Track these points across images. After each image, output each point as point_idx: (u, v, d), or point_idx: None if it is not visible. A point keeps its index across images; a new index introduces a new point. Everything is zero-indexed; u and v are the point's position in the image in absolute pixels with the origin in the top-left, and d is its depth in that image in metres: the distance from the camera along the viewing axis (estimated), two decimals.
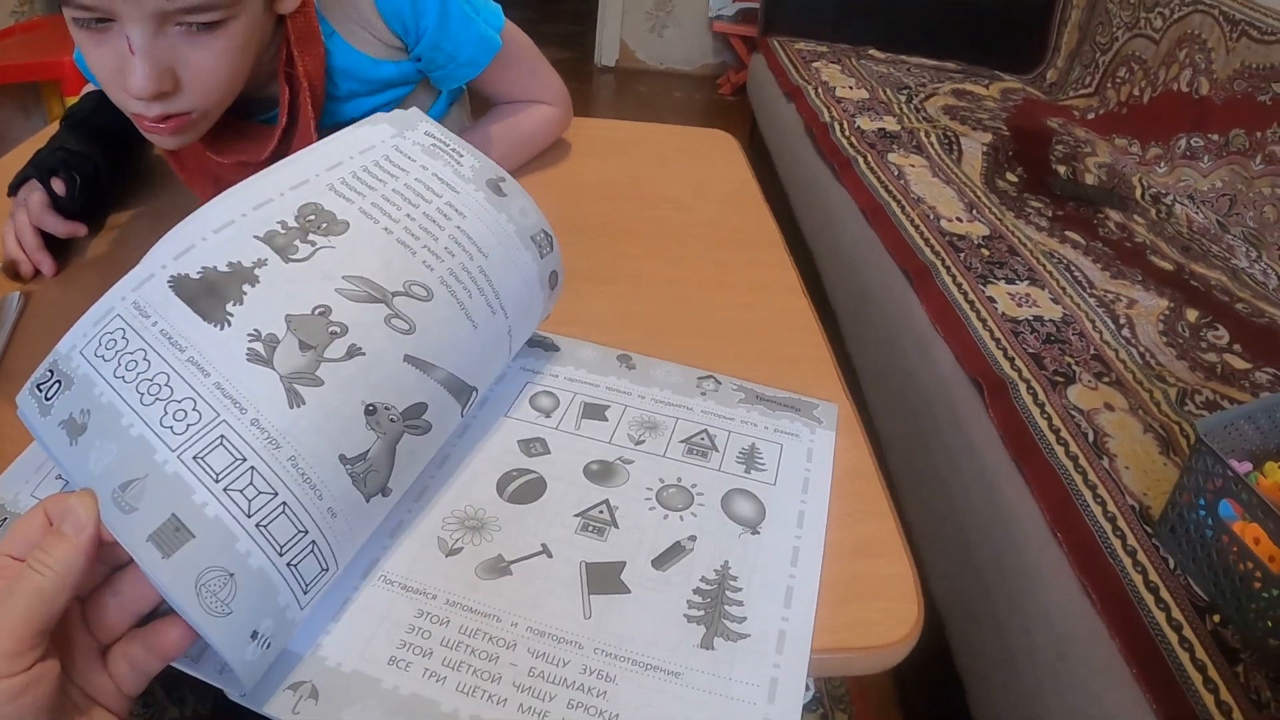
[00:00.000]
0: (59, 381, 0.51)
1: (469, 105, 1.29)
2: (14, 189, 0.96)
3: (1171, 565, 1.01)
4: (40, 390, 0.52)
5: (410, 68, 1.05)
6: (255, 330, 0.52)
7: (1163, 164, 2.15)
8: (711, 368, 0.77)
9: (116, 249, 0.99)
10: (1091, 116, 2.50)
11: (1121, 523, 1.07)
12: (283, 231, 0.57)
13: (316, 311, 0.54)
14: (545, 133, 1.19)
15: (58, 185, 0.94)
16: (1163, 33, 2.41)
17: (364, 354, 0.54)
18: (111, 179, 1.02)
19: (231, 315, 0.52)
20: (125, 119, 0.97)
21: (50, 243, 0.93)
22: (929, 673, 1.32)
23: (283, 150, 0.97)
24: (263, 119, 0.99)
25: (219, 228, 0.56)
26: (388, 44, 1.01)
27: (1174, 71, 2.31)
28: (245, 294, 0.53)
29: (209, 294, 0.53)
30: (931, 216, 1.77)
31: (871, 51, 2.97)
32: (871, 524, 0.64)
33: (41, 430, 0.51)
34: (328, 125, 1.06)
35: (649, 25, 4.86)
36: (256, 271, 0.54)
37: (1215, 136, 2.09)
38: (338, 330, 0.54)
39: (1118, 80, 2.54)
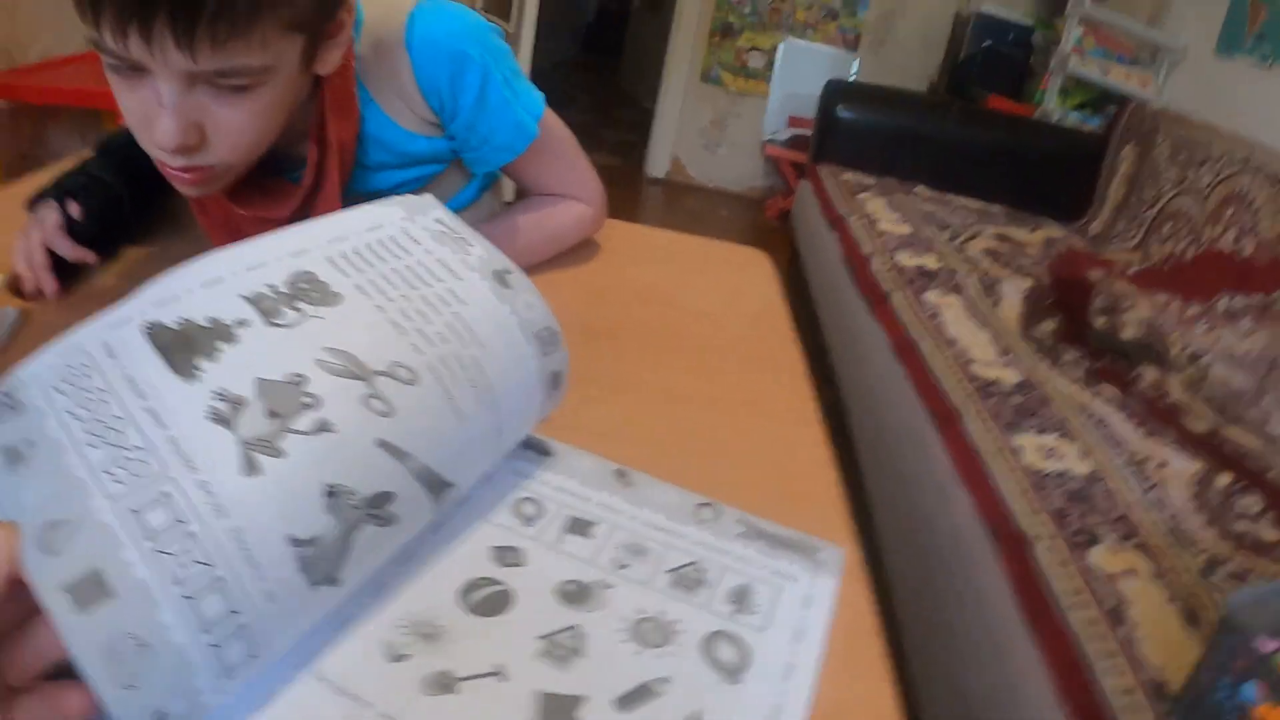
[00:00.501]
0: (10, 406, 0.48)
1: (503, 193, 1.26)
2: (32, 205, 0.96)
3: None
4: None
5: (444, 145, 1.04)
6: (222, 389, 0.49)
7: (1202, 323, 2.11)
8: (715, 494, 0.73)
9: (122, 282, 0.98)
10: (1133, 271, 2.48)
11: (1139, 696, 1.01)
12: (271, 295, 0.55)
13: (290, 379, 0.51)
14: (575, 230, 1.17)
15: (73, 209, 0.93)
16: (1210, 190, 2.40)
17: (334, 431, 0.50)
18: (133, 212, 1.01)
19: (201, 370, 0.49)
20: None
21: (58, 265, 0.92)
22: None
23: (305, 211, 0.96)
24: (290, 176, 0.98)
25: (207, 282, 0.54)
26: (424, 118, 1.00)
27: (1219, 230, 2.29)
28: (220, 351, 0.51)
29: (183, 346, 0.50)
30: (963, 359, 1.74)
31: (919, 188, 2.99)
32: (866, 686, 0.60)
33: None
34: (355, 193, 1.05)
35: (702, 142, 4.92)
36: (236, 330, 0.52)
37: (1258, 298, 2.06)
38: (310, 402, 0.51)
39: (1162, 236, 2.53)
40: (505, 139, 1.04)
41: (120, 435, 0.46)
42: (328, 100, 0.92)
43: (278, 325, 0.53)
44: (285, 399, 0.50)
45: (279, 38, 0.77)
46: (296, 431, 0.49)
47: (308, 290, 0.56)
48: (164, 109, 0.76)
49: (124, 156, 1.01)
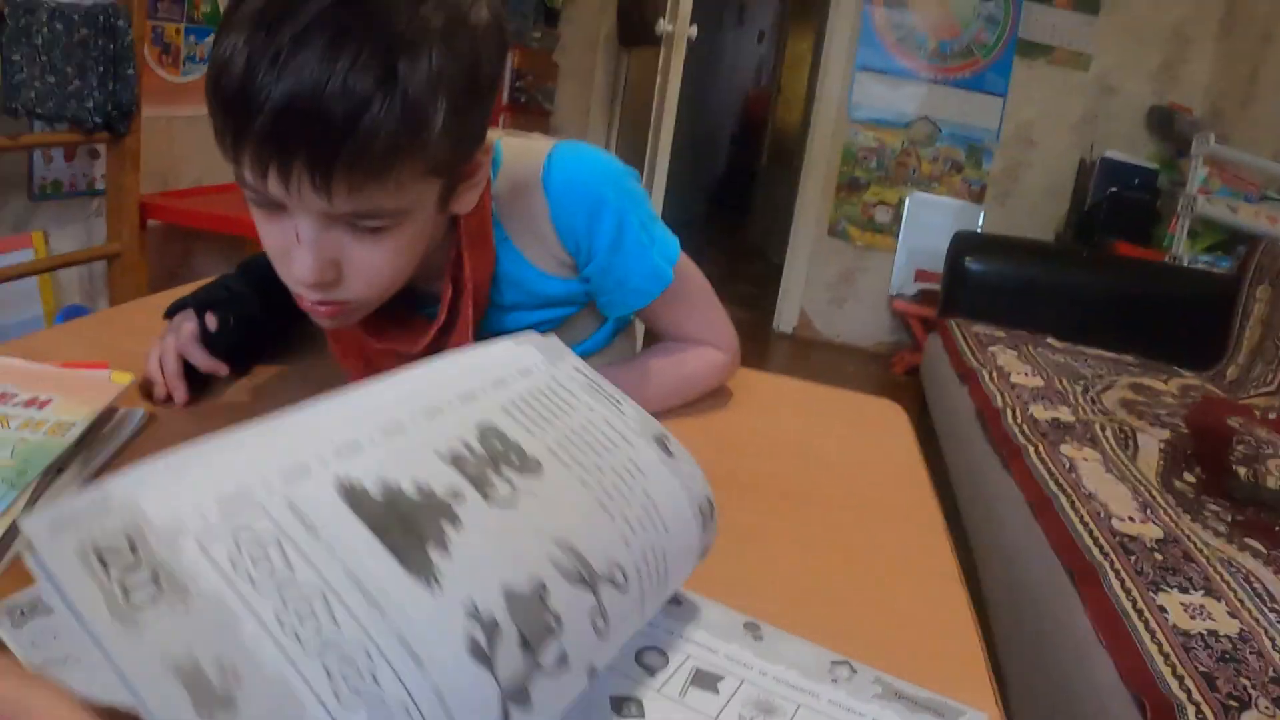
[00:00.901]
0: (173, 591, 0.34)
1: (639, 339, 1.26)
2: (170, 314, 1.01)
3: None
4: (100, 560, 0.34)
5: (579, 288, 1.05)
6: (472, 603, 0.40)
7: None
8: (848, 650, 0.71)
9: (253, 399, 1.03)
10: (1274, 416, 2.41)
11: None
12: (470, 457, 0.47)
13: (535, 589, 0.43)
14: (708, 377, 1.15)
15: (210, 320, 0.97)
16: None
17: (568, 668, 0.44)
18: (268, 329, 1.05)
19: (439, 571, 0.40)
20: None
21: (190, 374, 0.97)
22: None
23: (437, 347, 0.98)
24: (424, 311, 1.01)
25: (389, 430, 0.46)
26: (559, 260, 1.01)
27: None
28: (449, 539, 0.41)
29: (404, 528, 0.41)
30: (1102, 514, 1.71)
31: (1049, 340, 2.96)
32: None
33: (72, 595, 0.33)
34: (488, 332, 1.05)
35: (829, 297, 4.96)
36: (456, 509, 0.43)
37: None
38: (553, 626, 0.43)
39: None
40: (640, 283, 1.04)
41: (352, 664, 0.36)
42: (464, 239, 0.94)
43: (498, 504, 0.46)
44: (534, 621, 0.42)
45: (416, 181, 0.79)
46: (544, 671, 0.42)
47: (504, 452, 0.49)
48: (301, 245, 0.79)
49: (263, 276, 1.01)
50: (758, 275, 5.78)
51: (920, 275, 4.52)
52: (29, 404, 0.89)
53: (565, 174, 0.98)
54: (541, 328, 1.09)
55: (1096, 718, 1.31)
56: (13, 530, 0.73)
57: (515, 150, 1.00)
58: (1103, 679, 1.33)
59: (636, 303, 1.06)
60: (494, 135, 0.98)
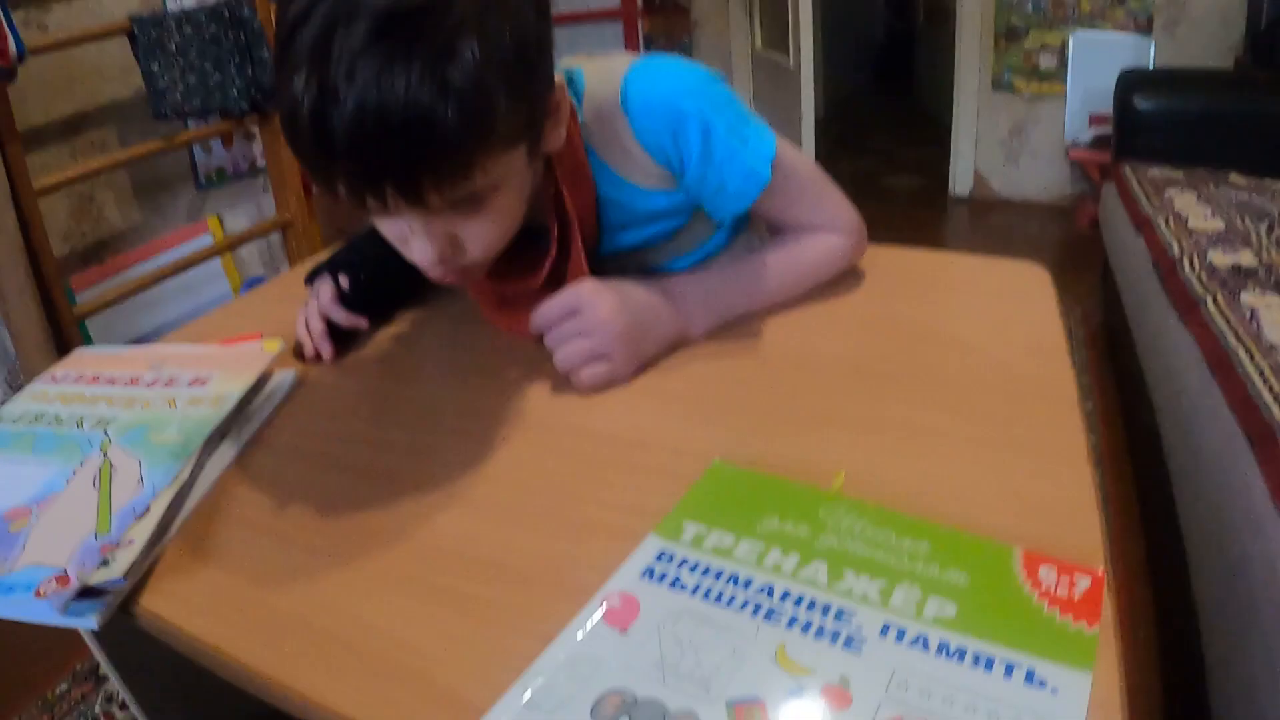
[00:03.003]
0: None
1: (763, 230, 1.26)
2: (310, 280, 1.10)
3: None
4: None
5: (682, 198, 1.07)
6: None
7: None
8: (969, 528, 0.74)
9: (395, 345, 1.11)
10: None
11: None
12: None
13: None
14: (829, 263, 1.16)
15: (344, 281, 1.07)
16: None
17: None
18: (401, 280, 1.11)
19: None
20: None
21: (334, 332, 1.07)
22: None
23: (556, 275, 1.03)
24: (541, 242, 1.05)
25: None
26: (656, 174, 1.04)
27: None
28: None
29: None
30: None
31: (1233, 177, 2.78)
32: None
33: None
34: (606, 253, 1.11)
35: (1003, 154, 4.77)
36: None
37: None
38: None
39: None
40: (739, 186, 1.05)
41: None
42: (560, 174, 0.98)
43: None
44: None
45: (499, 158, 0.83)
46: None
47: None
48: (415, 235, 0.85)
49: None
50: (929, 140, 5.60)
51: (1095, 120, 4.29)
52: (192, 383, 0.97)
53: (642, 95, 0.99)
54: (656, 241, 1.15)
55: (1271, 597, 1.23)
56: (182, 494, 0.85)
57: (596, 75, 1.02)
58: (1278, 554, 1.25)
59: (738, 206, 1.08)
60: (574, 62, 1.02)
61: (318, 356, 1.07)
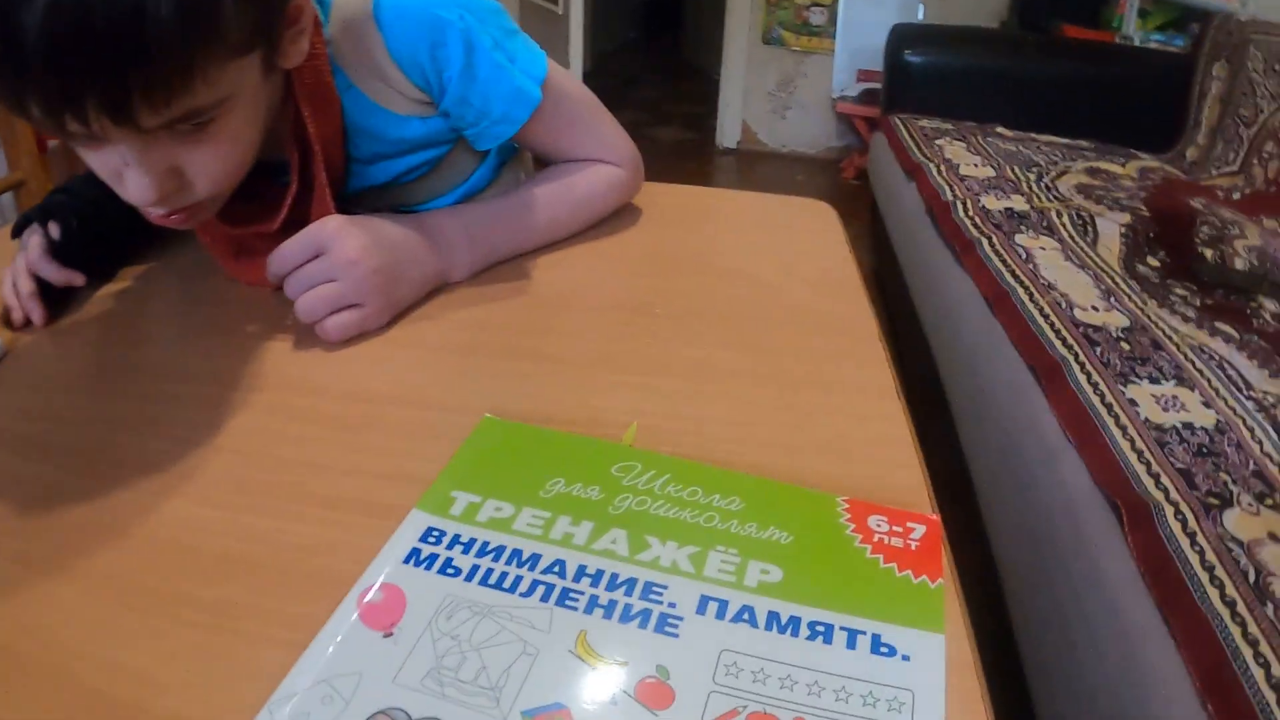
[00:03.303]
0: None
1: (529, 164, 1.15)
2: (16, 232, 0.89)
3: None
4: None
5: (441, 125, 0.93)
6: None
7: None
8: (791, 474, 0.64)
9: (118, 304, 0.90)
10: (1237, 196, 2.30)
11: None
12: None
13: None
14: (606, 196, 1.05)
15: (54, 230, 0.86)
16: None
17: None
18: (124, 226, 0.92)
19: None
20: None
21: (46, 291, 0.86)
22: None
23: (298, 217, 0.87)
24: (280, 181, 0.89)
25: None
26: (412, 98, 0.89)
27: None
28: None
29: None
30: (1063, 305, 1.59)
31: (999, 129, 2.81)
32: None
33: None
34: (355, 190, 0.95)
35: (770, 107, 4.78)
36: None
37: None
38: None
39: (1264, 156, 2.33)
40: (504, 109, 0.92)
41: None
42: (300, 95, 0.82)
43: None
44: None
45: (226, 67, 0.68)
46: None
47: None
48: (130, 167, 0.68)
49: None
50: (697, 94, 5.62)
51: (863, 75, 4.32)
52: None
53: (396, 4, 0.85)
54: (412, 175, 0.97)
55: (1068, 523, 1.20)
56: None
57: None
58: (1073, 481, 1.23)
59: (505, 131, 0.93)
60: None
61: (27, 322, 0.85)
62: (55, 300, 0.87)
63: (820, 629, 0.51)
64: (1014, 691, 1.26)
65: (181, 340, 0.86)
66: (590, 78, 5.06)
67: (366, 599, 0.52)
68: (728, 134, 4.90)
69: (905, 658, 0.50)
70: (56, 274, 0.86)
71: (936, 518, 0.60)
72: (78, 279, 0.87)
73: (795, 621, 0.52)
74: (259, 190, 0.87)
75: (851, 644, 0.51)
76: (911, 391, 0.80)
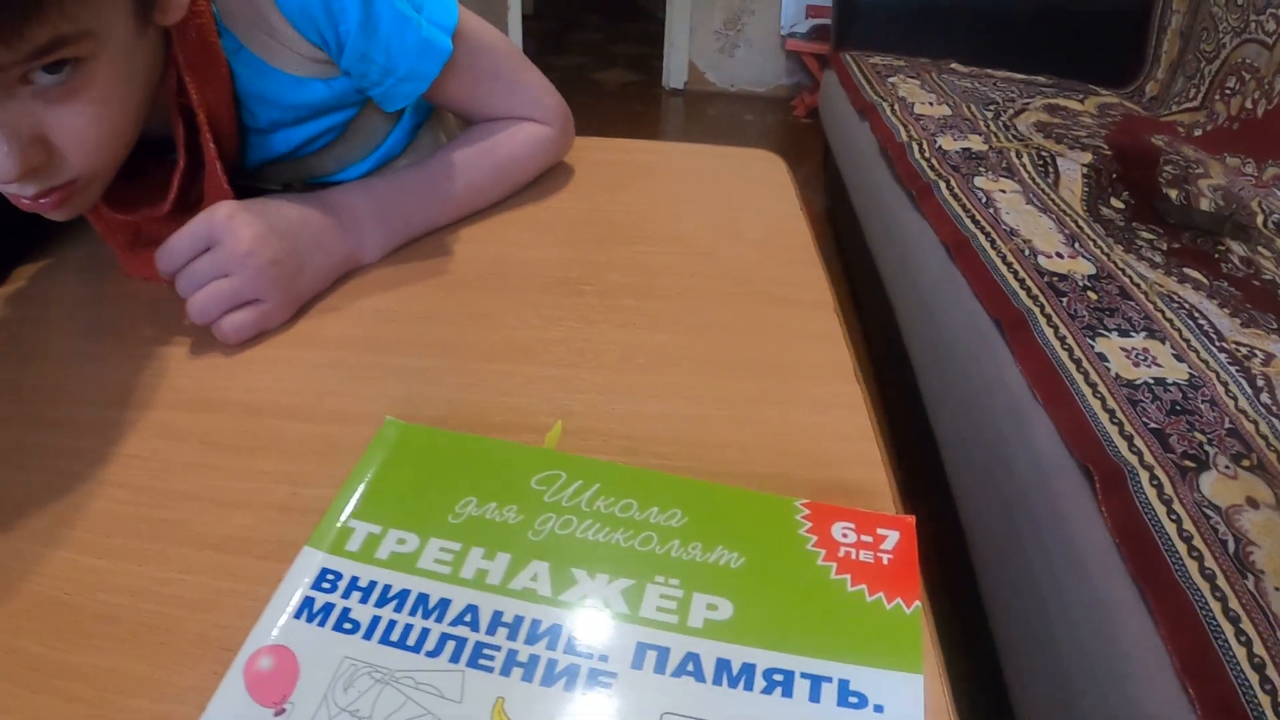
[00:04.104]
0: None
1: (450, 125, 1.06)
2: None
3: None
4: None
5: (345, 85, 0.83)
6: None
7: None
8: (732, 479, 0.56)
9: (13, 309, 0.80)
10: (1199, 133, 2.23)
11: (1271, 671, 0.82)
12: None
13: None
14: (532, 157, 0.96)
15: None
16: (1277, 37, 2.13)
17: None
18: (15, 223, 0.82)
19: None
20: None
21: None
22: None
23: (186, 197, 0.78)
24: (170, 159, 0.79)
25: None
26: (308, 57, 0.79)
27: None
28: None
29: None
30: (1026, 252, 1.52)
31: (954, 65, 2.74)
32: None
33: None
34: (255, 163, 0.86)
35: (719, 45, 4.67)
36: None
37: None
38: None
39: (1226, 92, 2.27)
40: (411, 65, 0.82)
41: None
42: (184, 59, 0.72)
43: None
44: None
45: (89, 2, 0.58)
46: None
47: None
48: None
49: None
50: (642, 34, 5.50)
51: (812, 11, 4.22)
52: None
53: None
54: (318, 142, 0.87)
55: (1039, 489, 1.14)
56: None
57: None
58: (1043, 444, 1.17)
59: (414, 89, 0.84)
60: None
61: None
62: None
63: (778, 678, 0.44)
64: (986, 672, 1.20)
65: (71, 352, 0.76)
66: (530, 21, 4.95)
67: (256, 666, 0.44)
68: (674, 75, 4.78)
69: (878, 708, 0.43)
70: None
71: (911, 519, 0.53)
72: None
73: (748, 670, 0.44)
74: (148, 170, 0.78)
75: (815, 695, 0.43)
76: (870, 342, 0.73)
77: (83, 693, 0.45)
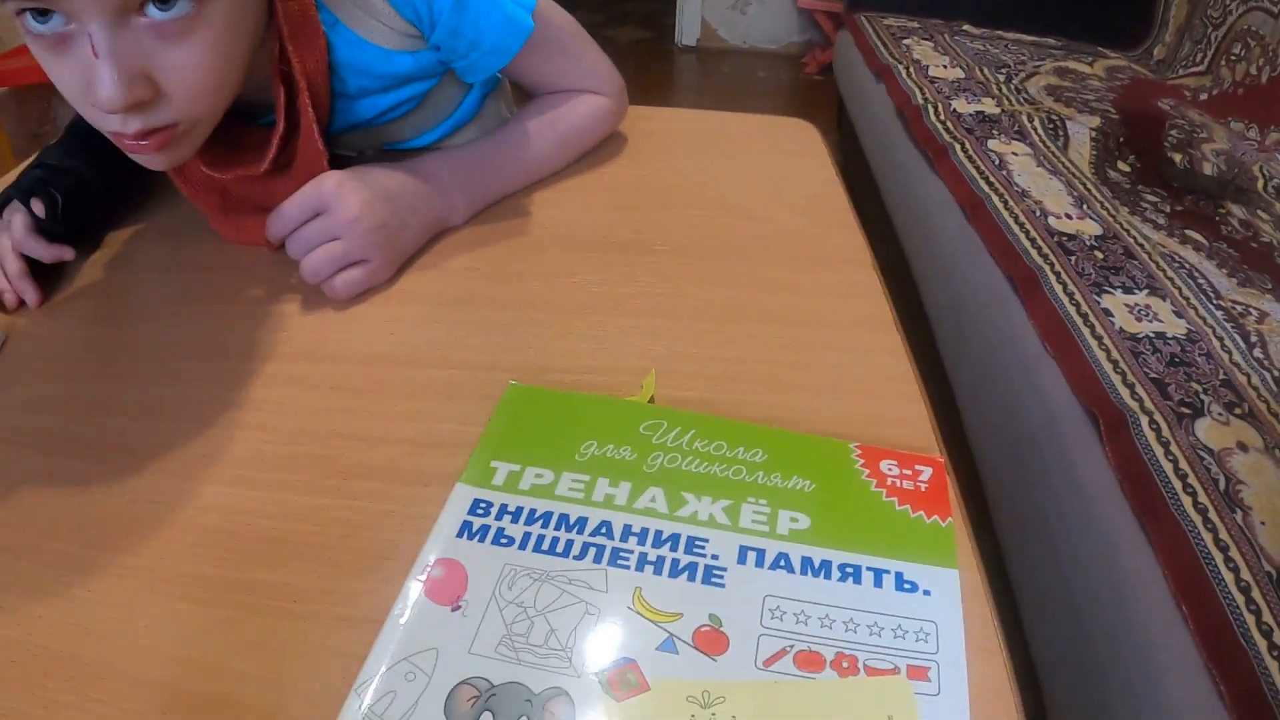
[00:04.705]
0: None
1: (510, 95, 1.15)
2: None
3: None
4: None
5: (430, 58, 0.91)
6: None
7: None
8: (785, 424, 0.67)
9: (112, 273, 0.88)
10: (1204, 97, 2.31)
11: (1256, 594, 0.92)
12: None
13: None
14: (593, 127, 1.05)
15: (37, 207, 0.83)
16: None
17: None
18: (106, 192, 0.91)
19: None
20: None
21: (38, 268, 0.84)
22: None
23: (284, 159, 0.86)
24: (265, 122, 0.88)
25: None
26: (401, 31, 0.87)
27: None
28: None
29: None
30: (1038, 213, 1.62)
31: (966, 27, 2.80)
32: (981, 664, 0.52)
33: None
34: (341, 129, 0.94)
35: (731, 2, 4.70)
36: None
37: None
38: None
39: (1232, 58, 2.34)
40: (496, 40, 0.90)
41: None
42: (284, 29, 0.80)
43: None
44: None
45: None
46: None
47: None
48: (100, 60, 0.64)
49: (84, 133, 0.90)
50: None
51: None
52: None
53: None
54: (399, 110, 0.96)
55: (1048, 433, 1.25)
56: None
57: None
58: (1052, 392, 1.27)
59: (497, 62, 0.93)
60: None
61: (20, 304, 0.83)
62: (43, 278, 0.84)
63: (849, 570, 0.55)
64: (1000, 598, 1.31)
65: (180, 312, 0.83)
66: None
67: (427, 575, 0.54)
68: (687, 31, 4.82)
69: (927, 592, 0.54)
70: (46, 251, 0.82)
71: (942, 459, 0.64)
72: (68, 253, 0.84)
73: (826, 565, 0.55)
74: (240, 136, 0.86)
75: (878, 583, 0.54)
76: (887, 295, 0.83)
77: (261, 604, 0.54)
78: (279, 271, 0.85)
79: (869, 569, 0.55)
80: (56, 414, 0.70)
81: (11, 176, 0.93)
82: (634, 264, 0.87)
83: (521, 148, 0.98)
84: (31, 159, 0.91)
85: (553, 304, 0.82)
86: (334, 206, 0.80)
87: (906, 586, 0.54)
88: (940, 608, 0.53)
